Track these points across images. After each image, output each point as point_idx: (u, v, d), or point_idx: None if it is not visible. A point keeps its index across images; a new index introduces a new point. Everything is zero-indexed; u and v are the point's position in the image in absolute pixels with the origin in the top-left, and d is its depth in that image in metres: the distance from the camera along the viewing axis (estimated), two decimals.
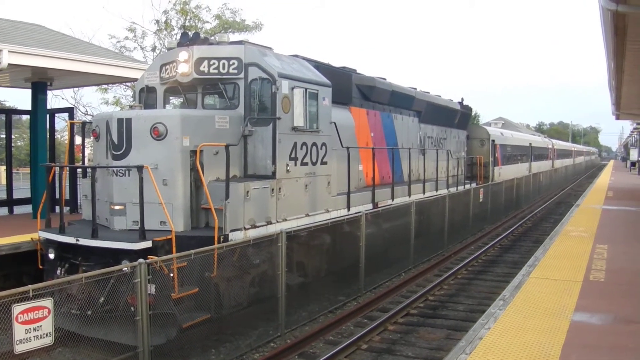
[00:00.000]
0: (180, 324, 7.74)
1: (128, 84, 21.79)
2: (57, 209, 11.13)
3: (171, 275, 7.64)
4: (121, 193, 8.86)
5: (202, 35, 10.95)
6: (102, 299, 7.63)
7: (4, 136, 19.22)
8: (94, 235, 8.42)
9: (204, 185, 8.82)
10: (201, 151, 8.99)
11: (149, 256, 7.67)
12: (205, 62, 10.08)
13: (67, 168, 12.39)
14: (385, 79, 15.87)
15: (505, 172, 27.44)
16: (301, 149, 10.61)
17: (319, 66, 12.21)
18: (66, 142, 14.62)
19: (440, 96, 20.48)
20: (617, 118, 34.30)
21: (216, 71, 10.11)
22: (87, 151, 19.93)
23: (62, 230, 9.05)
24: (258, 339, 9.00)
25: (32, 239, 9.94)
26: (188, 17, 24.17)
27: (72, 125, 11.65)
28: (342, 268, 11.60)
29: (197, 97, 10.62)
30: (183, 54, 10.08)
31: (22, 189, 18.78)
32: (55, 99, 23.88)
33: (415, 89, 18.06)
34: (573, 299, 7.77)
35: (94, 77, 15.02)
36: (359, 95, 14.30)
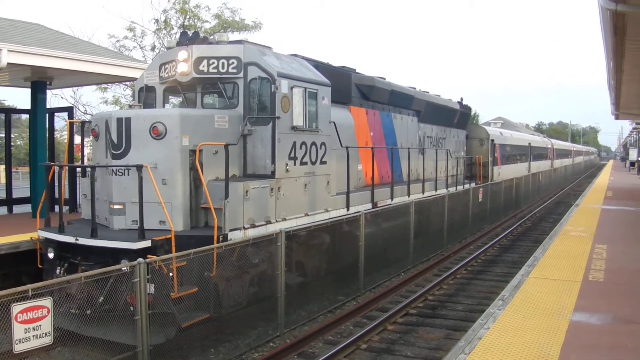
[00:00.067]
0: (180, 324, 7.74)
1: (127, 83, 21.78)
2: (57, 208, 11.14)
3: (170, 274, 7.64)
4: (120, 192, 8.85)
5: (201, 35, 10.95)
6: (102, 298, 7.63)
7: (4, 135, 19.18)
8: (94, 235, 8.42)
9: (203, 185, 8.82)
10: (200, 150, 8.99)
11: (148, 255, 7.66)
12: (205, 62, 10.08)
13: (67, 167, 12.36)
14: (384, 79, 15.87)
15: (504, 172, 27.44)
16: (300, 148, 10.61)
17: (318, 66, 12.21)
18: (65, 141, 14.62)
19: (439, 96, 20.48)
20: (617, 118, 34.30)
21: (215, 70, 10.10)
22: (87, 150, 19.92)
23: (61, 230, 9.05)
24: (257, 339, 9.00)
25: (31, 238, 9.93)
26: (187, 17, 24.17)
27: (71, 125, 11.64)
28: (341, 268, 11.60)
29: (197, 97, 10.62)
30: (182, 54, 10.07)
31: (21, 188, 18.79)
32: (55, 98, 23.86)
33: (415, 88, 18.06)
34: (572, 298, 7.78)
35: (93, 76, 15.01)
36: (359, 94, 14.29)
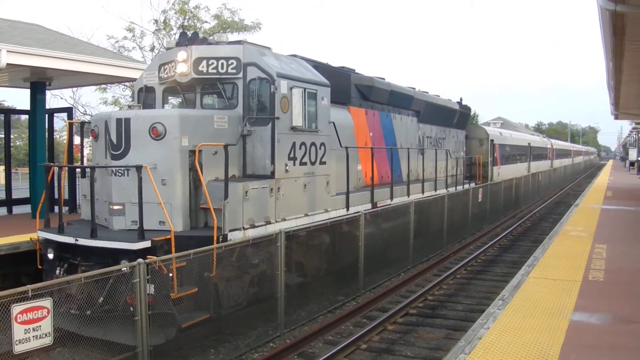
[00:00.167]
0: (180, 324, 7.74)
1: (127, 83, 21.78)
2: (56, 208, 11.15)
3: (170, 275, 7.64)
4: (120, 193, 8.85)
5: (200, 35, 10.96)
6: (101, 299, 7.62)
7: (3, 136, 19.16)
8: (93, 235, 8.41)
9: (203, 185, 8.82)
10: (200, 151, 8.99)
11: (148, 256, 7.66)
12: (204, 62, 10.08)
13: (66, 168, 12.37)
14: (384, 79, 15.87)
15: (504, 172, 27.44)
16: (300, 148, 10.61)
17: (318, 66, 12.21)
18: (65, 142, 14.62)
19: (439, 96, 20.49)
20: (616, 118, 34.30)
21: (215, 71, 10.10)
22: (86, 151, 19.94)
23: (61, 230, 9.04)
24: (257, 339, 8.99)
25: (31, 239, 9.93)
26: (187, 17, 24.16)
27: (70, 125, 11.65)
28: (341, 268, 11.60)
29: (196, 97, 10.62)
30: (182, 54, 10.08)
31: (21, 189, 18.78)
32: (54, 98, 23.89)
33: (414, 88, 18.07)
34: (572, 298, 7.78)
35: (92, 76, 15.01)
36: (358, 95, 14.30)
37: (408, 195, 15.42)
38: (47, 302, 6.08)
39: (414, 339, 9.29)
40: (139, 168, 8.23)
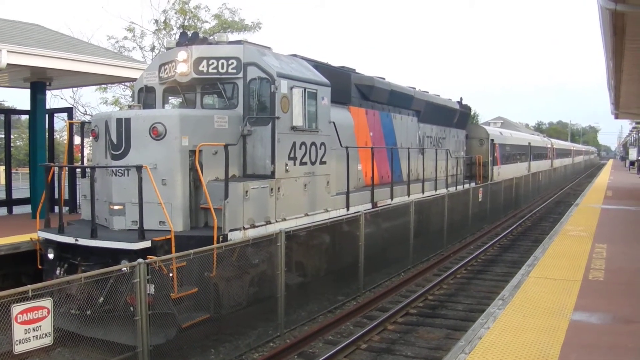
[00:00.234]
0: (180, 324, 7.74)
1: (127, 83, 21.79)
2: (57, 209, 11.15)
3: (170, 275, 7.64)
4: (120, 193, 8.85)
5: (201, 35, 10.96)
6: (102, 299, 7.63)
7: (3, 136, 19.17)
8: (93, 235, 8.42)
9: (203, 185, 8.83)
10: (200, 151, 8.99)
11: (148, 256, 7.67)
12: (204, 62, 10.08)
13: (66, 168, 12.37)
14: (384, 79, 15.87)
15: (504, 172, 27.44)
16: (300, 148, 10.61)
17: (318, 66, 12.21)
18: (65, 142, 14.62)
19: (439, 95, 20.49)
20: (616, 117, 34.30)
21: (215, 71, 10.11)
22: (86, 151, 19.94)
23: (61, 230, 9.05)
24: (257, 339, 9.00)
25: (31, 239, 9.93)
26: (187, 17, 24.19)
27: (71, 125, 11.65)
28: (341, 268, 11.60)
29: (196, 97, 10.62)
30: (182, 54, 10.08)
31: (21, 189, 18.79)
32: (54, 98, 23.94)
33: (414, 88, 18.06)
34: (572, 298, 7.78)
35: (92, 77, 15.02)
36: (358, 94, 14.29)
37: (408, 195, 15.42)
38: (47, 302, 6.08)
39: (414, 338, 9.29)
40: (139, 168, 8.23)
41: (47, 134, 16.15)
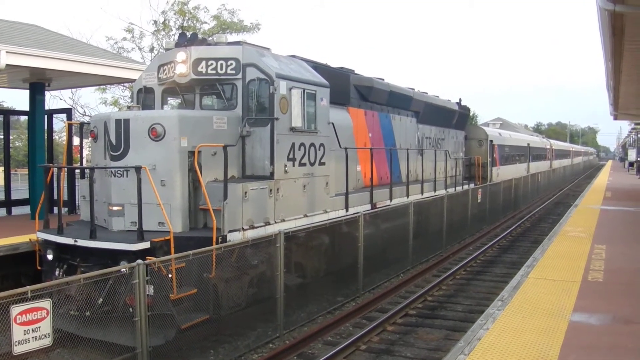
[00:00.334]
0: (179, 325, 7.74)
1: (126, 84, 21.78)
2: (56, 209, 11.14)
3: (169, 276, 7.63)
4: (119, 194, 8.85)
5: (200, 36, 10.96)
6: (101, 300, 7.61)
7: (2, 137, 19.15)
8: (92, 236, 8.41)
9: (202, 186, 8.82)
10: (199, 152, 8.99)
11: (147, 257, 7.67)
12: (203, 63, 10.08)
13: (65, 169, 12.37)
14: (383, 80, 15.87)
15: (503, 173, 27.46)
16: (299, 149, 10.60)
17: (317, 67, 12.21)
18: (64, 142, 14.62)
19: (438, 96, 20.50)
20: (615, 118, 34.31)
21: (214, 72, 10.10)
22: (85, 152, 19.94)
23: (60, 231, 9.03)
24: (257, 340, 8.99)
25: (30, 240, 9.92)
26: (186, 18, 24.20)
27: (70, 126, 11.67)
28: (340, 269, 11.59)
29: (195, 98, 10.62)
30: (181, 55, 10.07)
31: (20, 189, 18.78)
32: (53, 99, 23.90)
33: (414, 89, 18.07)
34: (571, 299, 7.78)
35: (91, 77, 15.01)
36: (357, 95, 14.30)
37: (407, 196, 15.42)
38: (46, 303, 6.07)
39: (413, 339, 9.29)
40: (138, 169, 8.23)
41: (46, 134, 16.14)
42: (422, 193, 16.49)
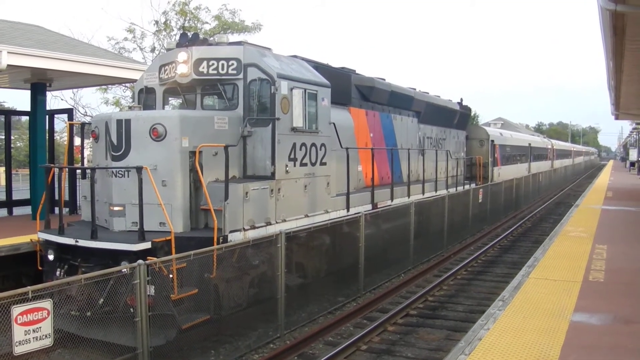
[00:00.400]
0: (180, 325, 7.74)
1: (127, 84, 21.80)
2: (57, 210, 11.14)
3: (170, 276, 7.64)
4: (120, 194, 8.85)
5: (201, 36, 10.96)
6: (102, 300, 7.63)
7: (4, 137, 19.18)
8: (93, 237, 8.42)
9: (203, 186, 8.82)
10: (200, 152, 8.99)
11: (148, 257, 7.66)
12: (205, 63, 10.08)
13: (67, 169, 12.37)
14: (384, 80, 15.87)
15: (504, 173, 27.44)
16: (300, 149, 10.61)
17: (318, 67, 12.22)
18: (65, 143, 14.62)
19: (439, 96, 20.49)
20: (617, 118, 34.29)
21: (215, 72, 10.11)
22: (87, 152, 19.95)
23: (61, 232, 9.04)
24: (257, 340, 8.99)
25: (31, 240, 9.93)
26: (187, 18, 24.21)
27: (71, 127, 11.66)
28: (341, 269, 11.60)
29: (196, 98, 10.62)
30: (182, 55, 10.08)
31: (21, 190, 18.80)
32: (55, 99, 23.95)
33: (415, 89, 18.07)
34: (572, 299, 7.77)
35: (93, 78, 15.02)
36: (358, 95, 14.30)
37: (408, 196, 15.41)
38: (47, 304, 6.08)
39: (414, 339, 9.29)
40: (139, 169, 8.23)
41: (47, 135, 16.15)
42: (423, 193, 16.49)
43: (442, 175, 18.75)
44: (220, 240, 8.57)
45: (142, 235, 8.22)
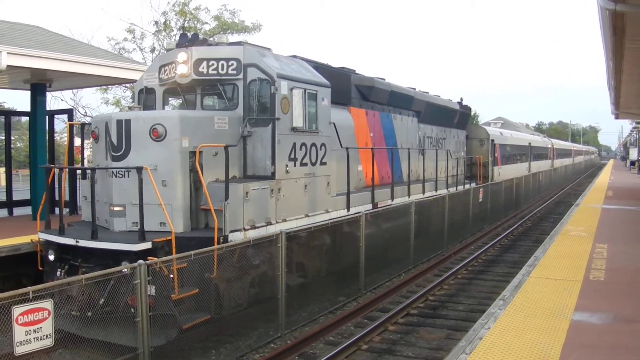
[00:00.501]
0: (180, 325, 7.74)
1: (127, 85, 21.80)
2: (57, 210, 11.14)
3: (171, 276, 7.64)
4: (121, 194, 8.86)
5: (201, 36, 10.96)
6: (102, 300, 7.63)
7: (4, 138, 19.19)
8: (94, 237, 8.42)
9: (204, 186, 8.83)
10: (200, 152, 8.99)
11: (148, 257, 7.66)
12: (204, 63, 10.08)
13: (67, 169, 12.38)
14: (384, 79, 15.87)
15: (504, 172, 27.44)
16: (300, 149, 10.61)
17: (318, 67, 12.22)
18: (65, 143, 14.63)
19: (439, 96, 20.49)
20: (617, 117, 34.32)
21: (215, 72, 10.11)
22: (87, 152, 19.96)
23: (61, 232, 9.04)
24: (258, 340, 8.99)
25: (31, 240, 9.93)
26: (187, 18, 24.20)
27: (71, 127, 11.66)
28: (342, 268, 11.60)
29: (196, 98, 10.62)
30: (182, 55, 10.08)
31: (21, 190, 18.80)
32: (55, 100, 23.91)
33: (415, 89, 18.06)
34: (573, 298, 7.78)
35: (93, 78, 15.02)
36: (358, 95, 14.30)
37: (409, 195, 15.41)
38: (47, 304, 6.08)
39: (415, 339, 9.29)
40: (139, 169, 8.24)
41: (47, 135, 16.15)
42: (423, 192, 16.49)
43: (443, 175, 18.75)
44: (221, 240, 8.57)
45: (142, 236, 8.22)
